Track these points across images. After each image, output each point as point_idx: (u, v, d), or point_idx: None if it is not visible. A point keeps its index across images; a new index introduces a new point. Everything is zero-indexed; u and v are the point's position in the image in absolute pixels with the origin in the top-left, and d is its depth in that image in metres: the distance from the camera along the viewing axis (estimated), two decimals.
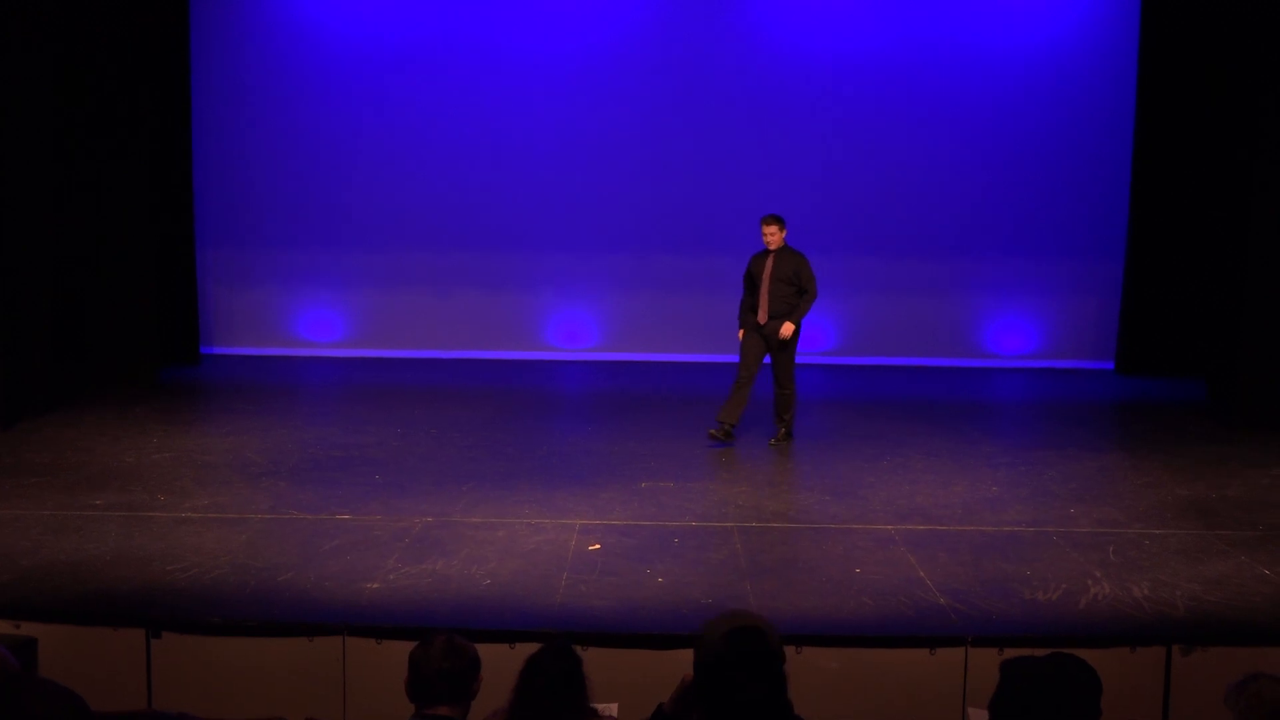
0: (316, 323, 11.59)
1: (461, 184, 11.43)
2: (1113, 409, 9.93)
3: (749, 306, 7.80)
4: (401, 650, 3.84)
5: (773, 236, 7.65)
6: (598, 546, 5.65)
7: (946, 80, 11.26)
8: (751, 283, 7.76)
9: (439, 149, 11.39)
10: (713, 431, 7.70)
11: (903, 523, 6.15)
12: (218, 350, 11.45)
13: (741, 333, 7.85)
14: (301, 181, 11.40)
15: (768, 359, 7.88)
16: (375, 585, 5.08)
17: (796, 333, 7.69)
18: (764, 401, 8.26)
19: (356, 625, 4.64)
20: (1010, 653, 4.39)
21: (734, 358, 11.51)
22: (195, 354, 10.92)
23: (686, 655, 4.39)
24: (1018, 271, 11.51)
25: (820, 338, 11.55)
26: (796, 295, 7.64)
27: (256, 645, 4.62)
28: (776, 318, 7.65)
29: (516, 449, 7.72)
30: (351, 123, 11.32)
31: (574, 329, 11.61)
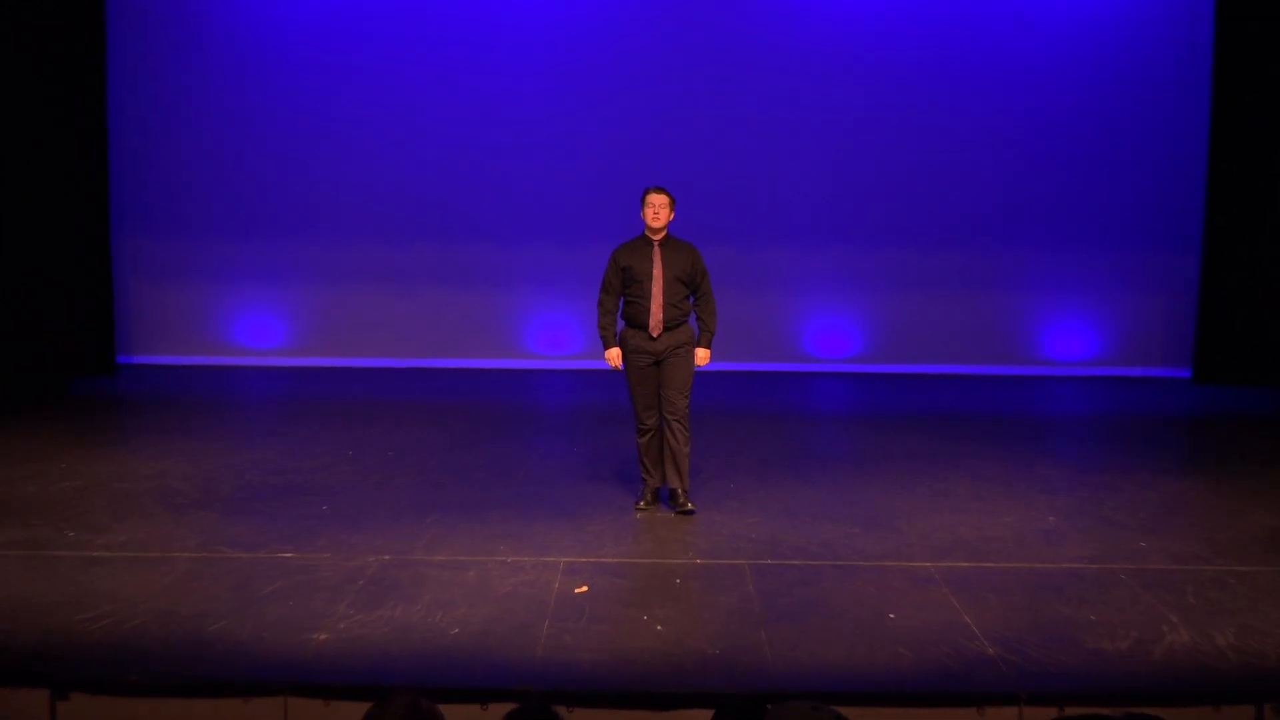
0: (255, 326, 11.57)
1: (426, 167, 11.43)
2: (1189, 424, 9.93)
3: (628, 316, 6.76)
4: (353, 712, 3.81)
5: (662, 212, 6.63)
6: (585, 589, 5.63)
7: (993, 44, 11.29)
8: (629, 282, 6.72)
9: (400, 127, 11.39)
10: (640, 504, 6.89)
11: (944, 559, 6.13)
12: (137, 359, 11.42)
13: (614, 353, 6.78)
14: (238, 164, 11.39)
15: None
16: (323, 636, 5.05)
17: (693, 346, 6.81)
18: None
19: (301, 683, 4.60)
20: (1071, 711, 4.37)
21: (745, 364, 11.59)
22: (111, 363, 10.89)
23: (689, 717, 4.37)
24: (1077, 265, 11.54)
25: (843, 342, 11.56)
26: (687, 300, 6.78)
27: (183, 708, 4.58)
28: (672, 329, 6.70)
29: (489, 473, 7.70)
30: (298, 96, 11.33)
31: (556, 333, 11.59)
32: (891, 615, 5.38)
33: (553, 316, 11.57)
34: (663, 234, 6.73)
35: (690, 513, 6.77)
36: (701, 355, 6.79)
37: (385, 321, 11.61)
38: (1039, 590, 5.72)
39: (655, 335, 6.68)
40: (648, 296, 6.66)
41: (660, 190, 6.72)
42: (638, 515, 6.85)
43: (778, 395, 10.68)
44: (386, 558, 6.03)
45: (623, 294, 6.79)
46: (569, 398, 10.65)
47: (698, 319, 6.85)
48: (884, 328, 11.58)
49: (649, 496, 6.94)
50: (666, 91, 11.32)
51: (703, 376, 11.25)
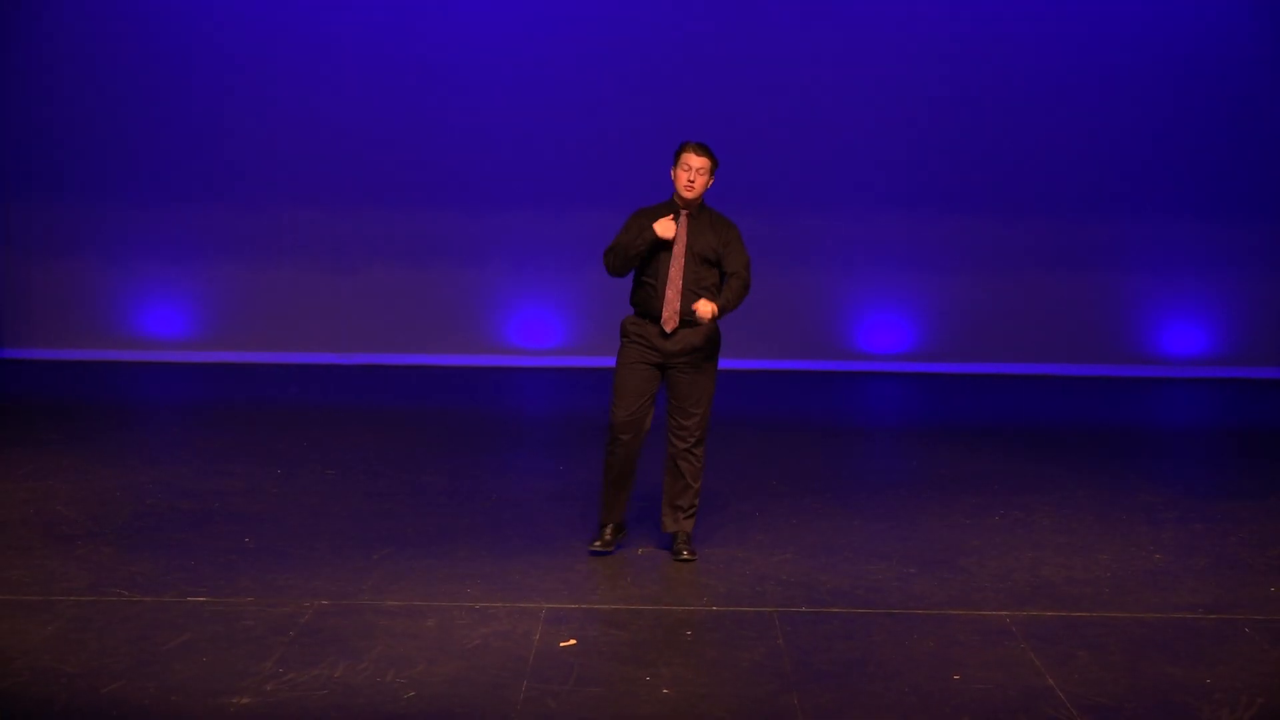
0: (160, 312, 11.57)
1: (376, 113, 11.41)
2: None
3: (638, 302, 6.68)
4: None
5: (699, 179, 6.49)
6: (573, 642, 5.63)
7: None
8: (644, 259, 6.61)
9: (341, 62, 11.37)
10: (596, 544, 6.76)
11: (1023, 607, 6.14)
12: (10, 353, 11.41)
13: (665, 222, 6.52)
14: (137, 112, 11.37)
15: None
16: (244, 700, 5.06)
17: (715, 354, 6.70)
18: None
19: None
20: None
21: (777, 362, 11.57)
22: None
23: None
24: (1195, 240, 11.52)
25: (900, 334, 11.55)
26: (715, 289, 6.61)
27: None
28: (693, 324, 6.56)
29: (454, 497, 7.71)
30: (212, 28, 11.29)
31: (541, 322, 11.59)
32: (956, 676, 5.38)
33: (538, 301, 11.56)
34: (696, 205, 6.58)
35: (688, 562, 6.69)
36: (704, 306, 6.40)
37: (325, 307, 11.60)
38: (1141, 646, 5.72)
39: (670, 331, 6.54)
40: (663, 279, 6.51)
41: (701, 150, 6.52)
42: (591, 554, 6.72)
43: (817, 400, 10.66)
44: (324, 603, 6.03)
45: (637, 272, 6.64)
46: (555, 402, 10.64)
47: (722, 291, 6.60)
48: (950, 317, 11.57)
49: (608, 533, 6.76)
50: (682, 23, 11.29)
51: (723, 378, 11.20)
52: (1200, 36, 11.26)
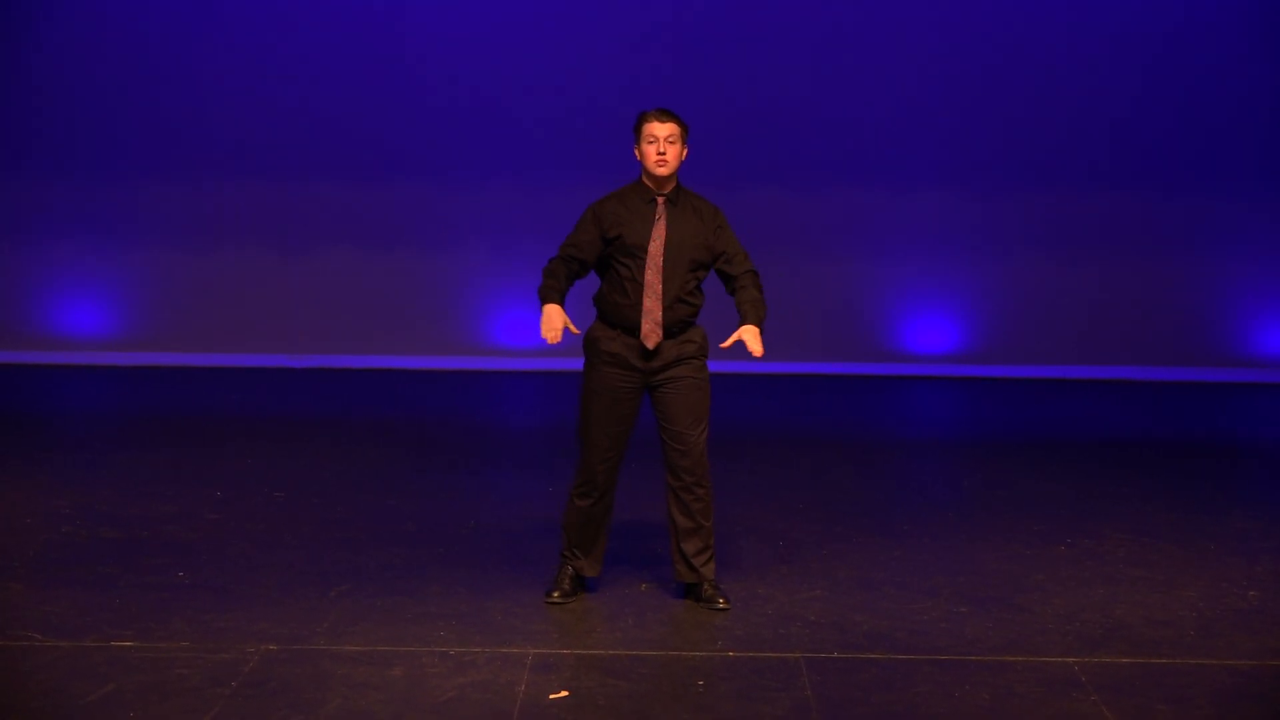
0: (79, 307, 11.58)
1: (330, 70, 11.41)
2: None
3: (607, 310, 6.48)
4: None
5: (670, 149, 6.30)
6: (565, 694, 5.64)
7: None
8: (611, 258, 6.42)
9: (290, 11, 11.35)
10: (554, 594, 6.61)
11: (1093, 652, 6.14)
12: None
13: (553, 312, 6.28)
14: (47, 72, 11.37)
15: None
16: None
17: (705, 358, 6.49)
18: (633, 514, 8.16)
19: None
20: None
21: (806, 365, 11.57)
22: None
23: None
24: None
25: (949, 332, 11.56)
26: (698, 291, 6.45)
27: None
28: (678, 336, 6.39)
29: (425, 525, 7.71)
30: None
31: (524, 320, 11.60)
32: None
33: (525, 293, 11.56)
34: (671, 186, 6.42)
35: (724, 611, 6.56)
36: (751, 336, 6.24)
37: (275, 300, 11.61)
38: (1233, 699, 5.72)
39: (652, 345, 6.34)
40: (639, 285, 6.32)
41: (666, 115, 6.34)
42: (549, 606, 6.59)
43: (851, 409, 10.65)
44: (272, 648, 6.03)
45: (598, 273, 6.52)
46: (545, 412, 10.64)
47: (739, 306, 6.43)
48: (1008, 311, 11.58)
49: (567, 584, 6.63)
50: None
51: (742, 383, 11.19)
52: None
